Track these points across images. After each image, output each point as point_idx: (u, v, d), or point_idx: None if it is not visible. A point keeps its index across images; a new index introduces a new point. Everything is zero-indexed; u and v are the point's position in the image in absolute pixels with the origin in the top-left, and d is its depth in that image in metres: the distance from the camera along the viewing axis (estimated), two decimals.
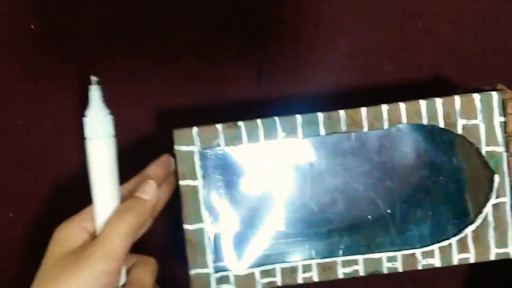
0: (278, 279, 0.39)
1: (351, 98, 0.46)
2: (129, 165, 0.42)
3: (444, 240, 0.39)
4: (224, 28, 0.45)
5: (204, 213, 0.38)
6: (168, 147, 0.42)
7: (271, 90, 0.46)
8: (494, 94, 0.39)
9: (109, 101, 0.44)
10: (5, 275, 0.46)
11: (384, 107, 0.39)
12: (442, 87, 0.45)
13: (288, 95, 0.46)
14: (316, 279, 0.39)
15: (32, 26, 0.44)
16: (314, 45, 0.46)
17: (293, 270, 0.39)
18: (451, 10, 0.46)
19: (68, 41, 0.45)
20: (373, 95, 0.46)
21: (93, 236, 0.36)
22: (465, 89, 0.42)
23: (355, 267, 0.39)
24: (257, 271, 0.39)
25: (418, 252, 0.39)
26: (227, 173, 0.40)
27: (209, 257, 0.38)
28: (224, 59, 0.46)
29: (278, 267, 0.39)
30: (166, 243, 0.45)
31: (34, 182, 0.45)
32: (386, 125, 0.39)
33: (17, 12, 0.44)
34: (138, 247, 0.43)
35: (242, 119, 0.42)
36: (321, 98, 0.46)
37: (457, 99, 0.39)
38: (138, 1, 0.45)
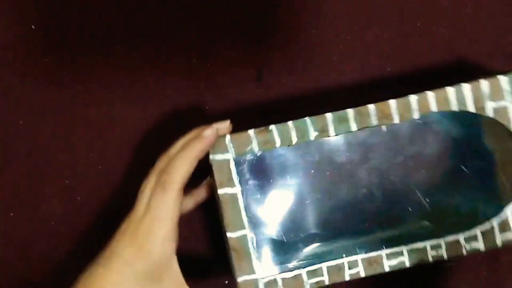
0: (326, 278, 0.39)
1: (351, 98, 0.47)
2: (131, 168, 0.45)
3: (486, 223, 0.40)
4: (224, 28, 0.46)
5: (245, 219, 0.38)
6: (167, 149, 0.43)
7: (271, 90, 0.46)
8: None
9: (109, 101, 0.45)
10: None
11: (413, 97, 0.39)
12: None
13: (288, 95, 0.46)
14: (362, 274, 0.39)
15: (33, 27, 0.45)
16: (314, 45, 0.47)
17: (339, 267, 0.39)
18: (451, 11, 0.47)
19: (68, 41, 0.45)
20: (373, 95, 0.46)
21: None
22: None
23: (401, 259, 0.39)
24: (304, 272, 0.39)
25: (461, 237, 0.39)
26: (264, 178, 0.40)
27: (255, 263, 0.38)
28: (224, 59, 0.46)
29: (324, 266, 0.39)
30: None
31: (36, 181, 0.46)
32: (416, 115, 0.39)
33: (18, 12, 0.45)
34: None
35: (242, 119, 0.43)
36: (321, 97, 0.47)
37: (483, 82, 0.39)
38: (138, 1, 0.45)
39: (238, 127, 0.45)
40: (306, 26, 0.46)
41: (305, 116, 0.44)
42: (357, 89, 0.47)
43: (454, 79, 0.44)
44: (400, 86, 0.47)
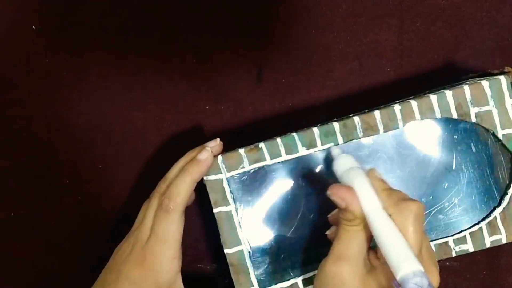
0: None
1: (351, 98, 0.47)
2: (131, 168, 0.46)
3: (474, 225, 0.41)
4: (224, 28, 0.47)
5: (241, 235, 0.40)
6: (167, 149, 0.46)
7: (271, 90, 0.47)
8: (502, 78, 0.39)
9: (109, 101, 0.46)
10: None
11: (397, 107, 0.40)
12: (441, 87, 0.45)
13: (288, 95, 0.47)
14: None
15: (33, 27, 0.46)
16: (314, 45, 0.47)
17: None
18: (451, 11, 0.47)
19: (68, 41, 0.46)
20: (373, 95, 0.47)
21: None
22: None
23: None
24: (299, 280, 0.41)
25: (450, 240, 0.41)
26: (257, 193, 0.41)
27: (253, 276, 0.40)
28: (224, 59, 0.47)
29: None
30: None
31: (36, 181, 0.46)
32: (401, 125, 0.40)
33: (19, 13, 0.46)
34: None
35: (242, 120, 0.45)
36: (322, 98, 0.47)
37: (466, 88, 0.39)
38: (138, 2, 0.46)
39: (238, 128, 0.47)
40: (306, 26, 0.47)
41: (304, 119, 0.45)
42: (357, 89, 0.47)
43: (454, 79, 0.45)
44: (400, 86, 0.47)
